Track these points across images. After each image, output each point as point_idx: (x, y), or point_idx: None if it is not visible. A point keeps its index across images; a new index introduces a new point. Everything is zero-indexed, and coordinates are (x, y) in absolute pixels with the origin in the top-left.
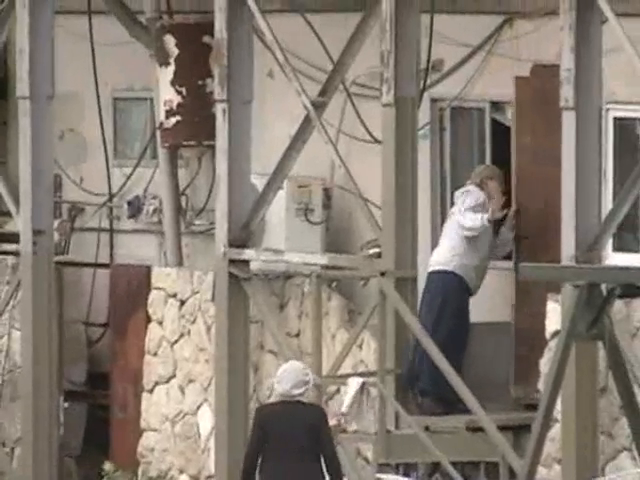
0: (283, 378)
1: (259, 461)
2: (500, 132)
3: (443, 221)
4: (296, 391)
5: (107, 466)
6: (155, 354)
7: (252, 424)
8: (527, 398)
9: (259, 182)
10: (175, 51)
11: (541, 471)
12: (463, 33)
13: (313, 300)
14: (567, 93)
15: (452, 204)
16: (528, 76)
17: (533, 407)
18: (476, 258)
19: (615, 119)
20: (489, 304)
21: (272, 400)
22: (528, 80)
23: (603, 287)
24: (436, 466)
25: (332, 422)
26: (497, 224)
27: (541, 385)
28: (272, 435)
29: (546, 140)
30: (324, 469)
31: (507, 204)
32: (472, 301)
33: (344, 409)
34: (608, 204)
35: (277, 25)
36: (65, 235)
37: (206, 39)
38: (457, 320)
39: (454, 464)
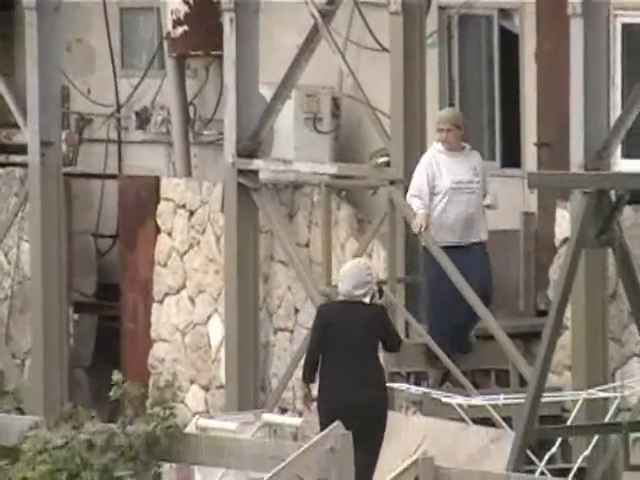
0: (345, 278)
1: (320, 360)
2: (508, 39)
3: None
4: (357, 292)
5: (116, 376)
6: (165, 265)
7: (313, 323)
8: (537, 305)
9: (267, 92)
10: None
11: (551, 378)
12: None
13: (322, 210)
14: (575, 0)
15: (461, 110)
16: None
17: (543, 314)
18: None
19: (623, 25)
20: (498, 212)
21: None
22: None
23: (612, 194)
24: (446, 375)
25: None
26: None
27: (551, 292)
28: (331, 334)
29: (562, 47)
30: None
31: None
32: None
33: None
34: (616, 110)
35: None
36: (73, 146)
37: None
38: None
39: (464, 372)
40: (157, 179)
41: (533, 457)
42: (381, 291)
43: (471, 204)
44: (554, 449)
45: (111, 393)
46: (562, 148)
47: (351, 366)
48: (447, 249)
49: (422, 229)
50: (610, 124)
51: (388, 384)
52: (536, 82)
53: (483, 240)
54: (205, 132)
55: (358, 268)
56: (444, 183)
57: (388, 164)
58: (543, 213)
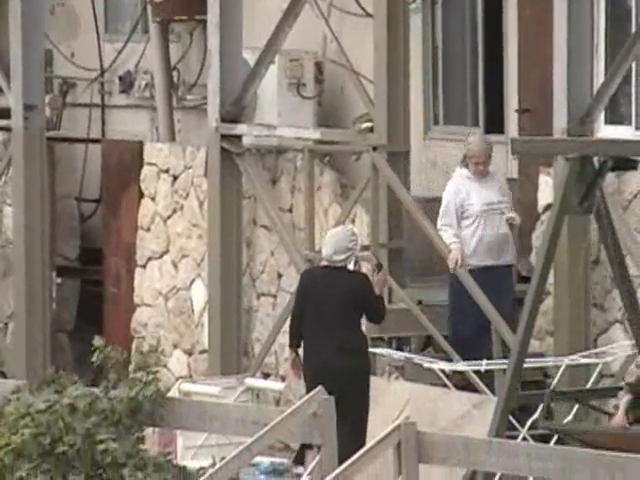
0: (327, 242)
1: (303, 325)
2: (492, 5)
3: (435, 95)
4: (338, 257)
5: (97, 341)
6: (148, 230)
7: (296, 288)
8: (519, 272)
9: (251, 57)
10: None
11: (534, 344)
12: None
13: (306, 175)
14: None
15: (444, 75)
16: None
17: (525, 280)
18: None
19: None
20: None
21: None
22: None
23: (595, 160)
24: (429, 340)
25: None
26: None
27: (533, 259)
28: (312, 300)
29: (545, 13)
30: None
31: None
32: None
33: None
34: (600, 77)
35: None
36: (57, 110)
37: None
38: None
39: (447, 337)
40: (140, 144)
41: (515, 423)
42: (380, 265)
43: (503, 224)
44: (536, 415)
45: (93, 358)
46: (543, 114)
47: (332, 332)
48: (478, 271)
49: (458, 265)
50: (594, 90)
51: (371, 350)
52: (518, 48)
53: (512, 264)
54: (189, 97)
55: (342, 233)
56: (475, 207)
57: (371, 129)
58: (525, 179)
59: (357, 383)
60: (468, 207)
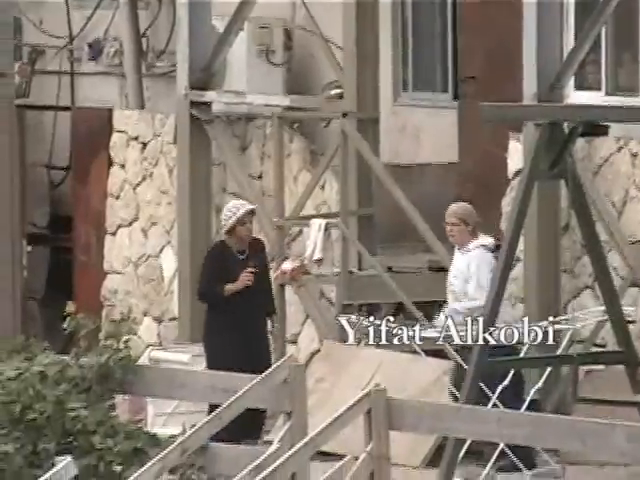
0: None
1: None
2: None
3: (405, 61)
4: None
5: (69, 307)
6: (117, 197)
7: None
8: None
9: (220, 23)
10: None
11: None
12: None
13: (275, 142)
14: None
15: (414, 42)
16: None
17: (495, 248)
18: None
19: None
20: (435, 145)
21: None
22: None
23: (565, 126)
24: (399, 307)
25: (295, 264)
26: None
27: (503, 225)
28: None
29: None
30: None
31: None
32: (419, 144)
33: (307, 252)
34: (570, 42)
35: None
36: (26, 78)
37: None
38: None
39: (417, 304)
40: (110, 111)
41: (486, 389)
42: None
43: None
44: (506, 382)
45: (64, 324)
46: (489, 82)
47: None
48: None
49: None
50: (563, 56)
51: (341, 316)
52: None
53: None
54: (158, 64)
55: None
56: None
57: (341, 96)
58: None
59: None
60: None
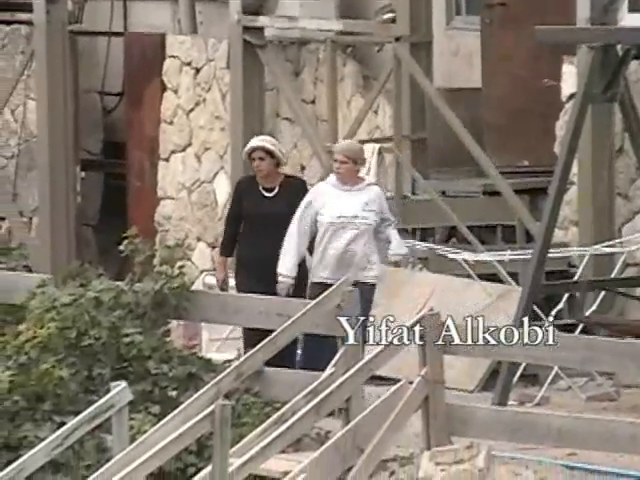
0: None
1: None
2: None
3: None
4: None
5: (132, 230)
6: (171, 123)
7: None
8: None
9: None
10: None
11: (557, 234)
12: None
13: (328, 66)
14: None
15: None
16: None
17: (549, 172)
18: None
19: None
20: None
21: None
22: None
23: (618, 48)
24: (453, 231)
25: None
26: None
27: (557, 148)
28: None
29: None
30: None
31: None
32: (472, 68)
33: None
34: None
35: None
36: (78, 4)
37: None
38: None
39: (470, 228)
40: (163, 36)
41: (540, 313)
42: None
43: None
44: (561, 304)
45: (121, 247)
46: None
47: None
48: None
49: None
50: None
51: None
52: None
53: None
54: None
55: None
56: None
57: (394, 20)
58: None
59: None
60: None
